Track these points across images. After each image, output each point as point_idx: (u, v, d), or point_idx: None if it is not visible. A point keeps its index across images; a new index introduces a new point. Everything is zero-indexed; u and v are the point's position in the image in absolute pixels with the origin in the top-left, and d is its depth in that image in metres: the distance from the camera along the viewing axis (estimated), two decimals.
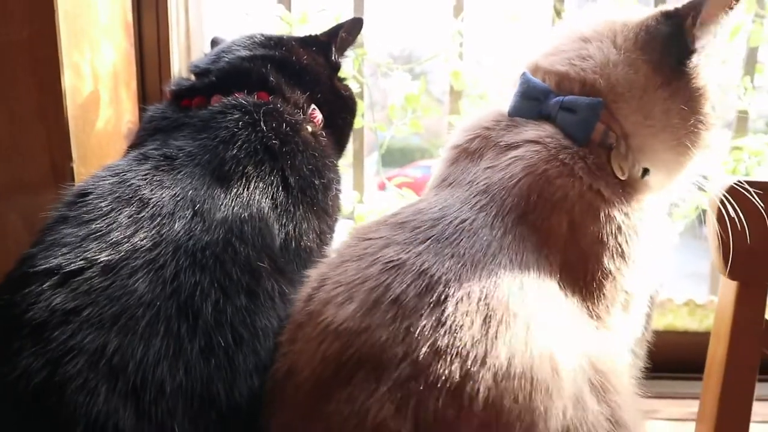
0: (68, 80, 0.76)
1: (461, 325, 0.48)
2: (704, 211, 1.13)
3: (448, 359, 0.47)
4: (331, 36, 0.86)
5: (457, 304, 0.50)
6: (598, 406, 0.51)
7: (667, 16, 0.66)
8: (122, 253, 0.53)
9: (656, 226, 0.67)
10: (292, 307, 0.58)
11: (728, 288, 0.77)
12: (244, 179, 0.64)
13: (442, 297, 0.50)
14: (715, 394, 0.79)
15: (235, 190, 0.63)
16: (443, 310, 0.49)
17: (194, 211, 0.59)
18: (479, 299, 0.50)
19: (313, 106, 0.79)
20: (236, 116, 0.69)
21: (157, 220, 0.57)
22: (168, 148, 0.65)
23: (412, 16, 1.30)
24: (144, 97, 0.96)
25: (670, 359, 0.62)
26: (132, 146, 0.73)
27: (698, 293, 1.24)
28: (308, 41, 0.84)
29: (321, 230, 0.70)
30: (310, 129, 0.75)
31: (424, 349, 0.47)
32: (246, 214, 0.62)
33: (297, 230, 0.67)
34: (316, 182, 0.71)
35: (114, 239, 0.54)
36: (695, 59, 0.66)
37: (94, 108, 0.83)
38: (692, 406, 0.86)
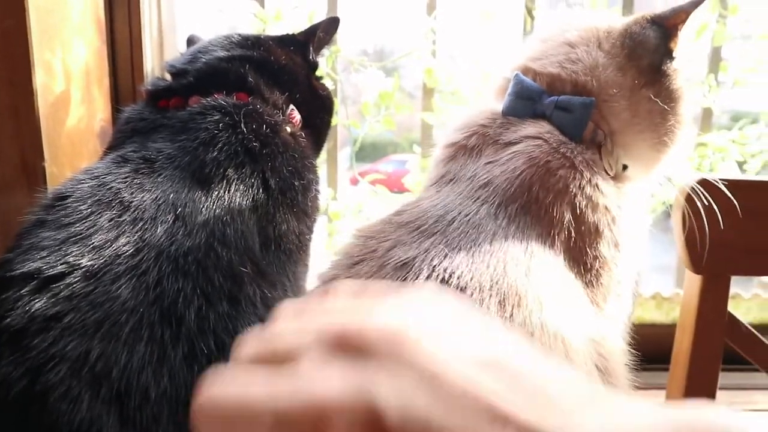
0: (39, 78, 0.75)
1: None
2: (671, 206, 1.17)
3: None
4: (308, 35, 0.86)
5: (472, 293, 0.52)
6: (603, 387, 0.54)
7: (650, 22, 0.71)
8: (104, 258, 0.53)
9: (639, 217, 0.70)
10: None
11: (693, 281, 0.80)
12: (224, 182, 0.64)
13: (458, 289, 0.52)
14: (681, 384, 0.81)
15: (216, 193, 0.63)
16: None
17: (176, 215, 0.58)
18: (491, 286, 0.52)
19: (291, 106, 0.79)
20: (216, 117, 0.69)
21: (139, 225, 0.56)
22: (147, 151, 0.65)
23: (385, 13, 1.31)
24: (116, 96, 0.94)
25: (639, 351, 0.65)
26: (109, 148, 0.72)
27: (665, 286, 1.28)
28: (285, 41, 0.84)
29: (300, 231, 0.71)
30: (289, 130, 0.75)
31: None
32: (227, 217, 0.61)
33: (277, 232, 0.67)
34: (296, 183, 0.71)
35: (95, 243, 0.54)
36: (672, 61, 0.70)
37: (65, 106, 0.82)
38: (659, 396, 0.89)
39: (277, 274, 0.65)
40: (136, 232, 0.56)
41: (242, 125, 0.69)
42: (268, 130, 0.71)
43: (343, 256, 0.61)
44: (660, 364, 0.94)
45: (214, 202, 0.62)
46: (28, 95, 0.75)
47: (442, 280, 0.53)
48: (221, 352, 0.54)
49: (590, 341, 0.57)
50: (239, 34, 0.83)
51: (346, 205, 1.25)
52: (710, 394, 0.81)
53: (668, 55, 0.69)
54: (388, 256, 0.56)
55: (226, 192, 0.63)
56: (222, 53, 0.78)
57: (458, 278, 0.53)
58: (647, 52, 0.69)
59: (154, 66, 0.99)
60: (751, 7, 1.24)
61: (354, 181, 1.43)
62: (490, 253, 0.56)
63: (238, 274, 0.59)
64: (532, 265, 0.56)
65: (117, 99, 0.94)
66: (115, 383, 0.48)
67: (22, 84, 0.74)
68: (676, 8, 0.68)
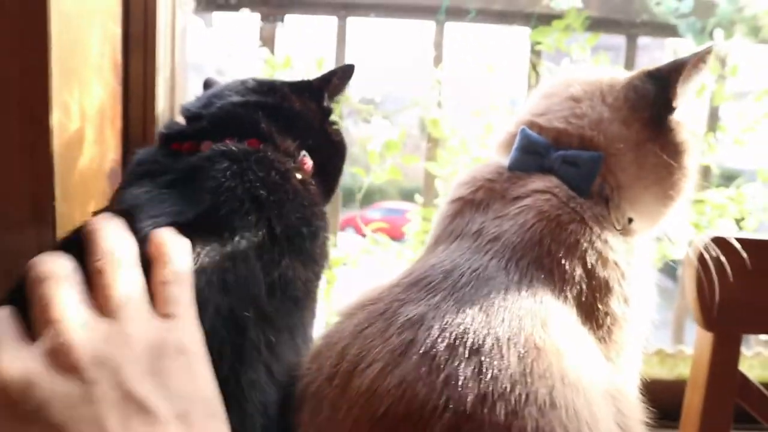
0: (56, 118, 0.74)
1: (499, 368, 0.49)
2: (672, 262, 1.18)
3: (492, 402, 0.48)
4: (324, 82, 0.86)
5: (490, 349, 0.51)
6: None
7: (650, 75, 0.72)
8: None
9: (647, 272, 0.70)
10: (309, 385, 0.57)
11: (704, 339, 0.80)
12: (228, 231, 0.62)
13: (475, 345, 0.51)
14: None
15: (219, 243, 0.61)
16: (480, 357, 0.50)
17: None
18: (508, 339, 0.52)
19: (303, 152, 0.79)
20: (225, 165, 0.67)
21: None
22: (151, 194, 0.64)
23: (391, 63, 1.34)
24: (127, 136, 0.94)
25: (651, 409, 0.64)
26: (119, 189, 0.72)
27: (663, 342, 1.28)
28: (300, 87, 0.84)
29: (307, 278, 0.69)
30: (300, 176, 0.74)
31: (469, 398, 0.47)
32: (229, 264, 0.60)
33: (283, 279, 0.65)
34: (304, 231, 0.69)
35: None
36: (677, 115, 0.71)
37: (79, 146, 0.81)
38: None
39: (284, 321, 0.63)
40: None
41: (250, 173, 0.68)
42: (277, 177, 0.70)
43: (344, 318, 0.60)
44: (665, 421, 0.93)
45: (216, 251, 0.60)
46: (44, 134, 0.74)
47: (456, 337, 0.52)
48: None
49: (609, 396, 0.56)
50: (254, 80, 0.84)
51: (347, 253, 1.24)
52: None
53: (670, 108, 0.70)
54: (395, 316, 0.56)
55: (230, 241, 0.62)
56: (236, 98, 0.79)
57: (474, 333, 0.52)
58: (649, 105, 0.70)
59: (165, 108, 1.00)
60: (747, 66, 1.28)
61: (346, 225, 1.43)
62: (504, 308, 0.55)
63: (240, 319, 0.57)
64: (547, 318, 0.56)
65: (127, 140, 0.94)
66: None
67: (39, 123, 0.74)
68: (675, 60, 0.69)
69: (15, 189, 0.75)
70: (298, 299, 0.66)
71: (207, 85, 0.88)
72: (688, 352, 1.19)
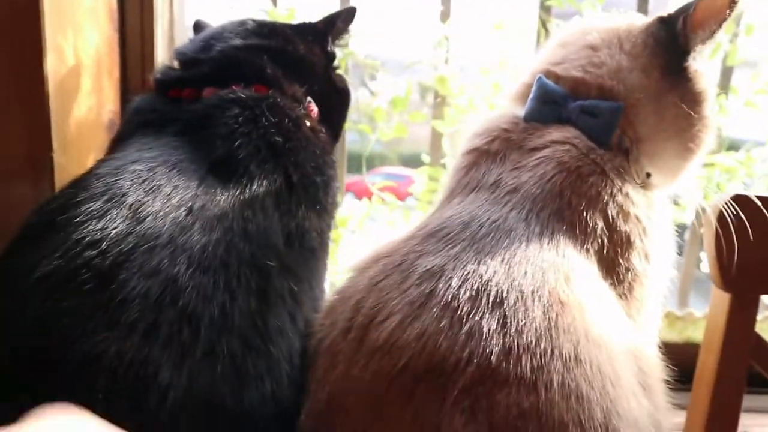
0: (51, 63, 0.71)
1: (524, 322, 0.48)
2: (678, 226, 1.16)
3: (517, 356, 0.46)
4: (327, 24, 0.82)
5: (514, 302, 0.49)
6: (647, 402, 0.51)
7: (661, 20, 0.69)
8: (116, 257, 0.49)
9: (666, 228, 0.68)
10: (323, 340, 0.55)
11: (721, 300, 0.78)
12: (246, 177, 0.61)
13: (498, 297, 0.49)
14: (705, 405, 0.79)
15: (237, 189, 0.59)
16: (504, 310, 0.48)
17: (189, 211, 0.55)
18: (533, 293, 0.50)
19: (309, 98, 0.76)
20: (236, 111, 0.65)
21: (151, 222, 0.52)
22: (161, 146, 0.61)
23: (398, 19, 1.29)
24: (125, 87, 0.90)
25: (672, 368, 0.63)
26: (117, 139, 0.68)
27: (669, 306, 1.27)
28: (304, 29, 0.80)
29: (321, 229, 0.67)
30: (309, 124, 0.72)
31: (494, 350, 0.45)
32: (249, 212, 0.58)
33: (300, 229, 0.63)
34: (318, 180, 0.68)
35: (106, 244, 0.50)
36: (694, 63, 0.68)
37: (75, 96, 0.78)
38: (677, 416, 0.87)
39: (303, 271, 0.62)
40: (151, 230, 0.52)
41: (263, 119, 0.65)
42: (290, 124, 0.68)
43: (358, 273, 0.58)
44: (675, 384, 0.92)
45: (234, 197, 0.58)
46: (39, 82, 0.71)
47: (478, 288, 0.50)
48: (248, 350, 0.50)
49: (630, 354, 0.54)
50: (254, 21, 0.79)
51: (351, 213, 1.22)
52: (733, 416, 0.79)
53: (684, 54, 0.67)
54: (413, 267, 0.53)
55: (248, 187, 0.60)
56: (238, 41, 0.75)
57: (496, 285, 0.50)
58: (664, 51, 0.67)
59: (164, 59, 0.96)
60: (762, 30, 1.25)
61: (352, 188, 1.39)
62: (527, 260, 0.53)
63: (263, 267, 0.56)
64: (571, 272, 0.54)
65: (126, 91, 0.90)
66: (132, 384, 0.45)
67: (32, 69, 0.70)
68: (690, 4, 0.66)
69: (11, 139, 0.72)
70: (314, 249, 0.65)
71: (198, 27, 0.83)
72: (697, 314, 1.18)
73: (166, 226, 0.52)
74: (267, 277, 0.55)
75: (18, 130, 0.71)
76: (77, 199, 0.52)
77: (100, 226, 0.50)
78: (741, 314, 0.77)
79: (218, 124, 0.64)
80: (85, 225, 0.50)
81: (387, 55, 1.34)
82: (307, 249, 0.64)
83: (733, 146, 1.36)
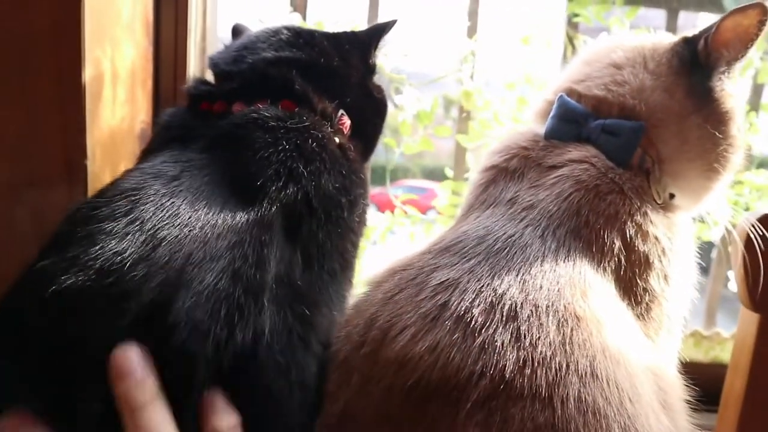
0: (88, 75, 0.73)
1: (538, 336, 0.48)
2: (706, 244, 1.15)
3: (532, 369, 0.46)
4: (372, 35, 0.81)
5: (528, 316, 0.49)
6: (667, 421, 0.51)
7: (686, 40, 0.69)
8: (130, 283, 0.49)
9: (689, 250, 0.67)
10: (338, 354, 0.55)
11: (749, 320, 0.77)
12: (266, 202, 0.59)
13: (512, 310, 0.49)
14: (732, 428, 0.78)
15: (255, 214, 0.58)
16: (517, 323, 0.48)
17: (204, 239, 0.54)
18: (547, 308, 0.50)
19: (341, 111, 0.75)
20: (257, 134, 0.64)
21: (169, 248, 0.52)
22: (186, 163, 0.61)
23: (425, 34, 1.30)
24: (158, 98, 0.93)
25: (693, 388, 0.62)
26: (146, 151, 0.69)
27: (696, 325, 1.25)
28: (343, 39, 0.79)
29: (344, 249, 0.66)
30: (338, 140, 0.71)
31: (508, 364, 0.45)
32: (266, 237, 0.57)
33: (320, 251, 0.62)
34: (342, 200, 0.66)
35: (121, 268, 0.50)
36: (719, 83, 0.67)
37: (110, 105, 0.80)
38: None
39: (320, 294, 0.61)
40: (162, 257, 0.51)
41: (285, 142, 0.64)
42: (314, 144, 0.67)
43: (373, 287, 0.58)
44: (701, 405, 0.90)
45: (252, 223, 0.57)
46: (76, 91, 0.73)
47: (492, 302, 0.50)
48: (236, 377, 0.49)
49: (649, 372, 0.54)
50: (289, 29, 0.78)
51: (374, 225, 1.22)
52: None
53: (708, 74, 0.67)
54: (427, 280, 0.54)
55: (267, 212, 0.59)
56: (269, 54, 0.74)
57: (510, 299, 0.50)
58: (688, 71, 0.67)
59: (195, 71, 0.98)
60: None
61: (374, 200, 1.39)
62: (542, 275, 0.53)
63: (275, 295, 0.55)
64: (587, 289, 0.54)
65: (158, 101, 0.93)
66: None
67: (70, 80, 0.73)
68: (713, 24, 0.66)
69: (47, 146, 0.74)
70: (335, 271, 0.63)
71: (236, 31, 0.84)
72: (724, 334, 1.17)
73: (182, 251, 0.52)
74: (281, 308, 0.54)
75: (56, 137, 0.74)
76: (100, 214, 0.53)
77: (118, 248, 0.50)
78: None
79: (239, 146, 0.63)
80: (105, 244, 0.50)
81: (413, 68, 1.35)
82: (326, 272, 0.62)
83: (763, 164, 1.34)
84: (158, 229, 0.52)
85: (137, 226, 0.52)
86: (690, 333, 1.17)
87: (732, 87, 0.68)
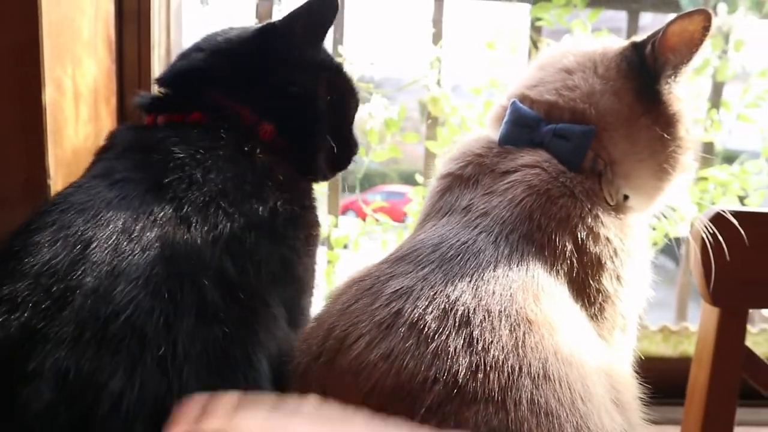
0: (49, 95, 0.73)
1: (491, 340, 0.49)
2: (673, 240, 1.17)
3: (485, 373, 0.47)
4: (290, 22, 0.72)
5: (481, 321, 0.50)
6: (620, 419, 0.52)
7: (634, 45, 0.70)
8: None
9: (642, 250, 0.69)
10: (298, 366, 0.56)
11: (710, 314, 0.79)
12: (183, 219, 0.59)
13: (465, 316, 0.50)
14: (698, 419, 0.80)
15: (168, 227, 0.58)
16: (470, 329, 0.49)
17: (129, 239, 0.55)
18: (499, 312, 0.51)
19: (259, 119, 0.70)
20: (170, 148, 0.63)
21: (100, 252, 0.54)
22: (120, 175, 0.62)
23: (390, 41, 1.31)
24: (122, 115, 0.93)
25: (648, 385, 0.64)
26: (92, 163, 0.70)
27: (666, 320, 1.27)
28: (259, 34, 0.72)
29: (282, 254, 0.65)
30: (259, 151, 0.67)
31: (461, 369, 0.46)
32: (194, 257, 0.57)
33: (253, 259, 0.61)
34: (260, 209, 0.64)
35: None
36: (666, 86, 0.69)
37: (73, 124, 0.80)
38: (672, 431, 0.87)
39: (265, 299, 0.61)
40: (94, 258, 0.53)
41: (189, 160, 0.62)
42: (229, 163, 0.64)
43: (333, 299, 0.59)
44: (670, 398, 0.92)
45: (165, 234, 0.57)
46: (37, 112, 0.73)
47: (445, 308, 0.51)
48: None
49: (602, 372, 0.55)
50: (206, 37, 0.76)
51: (347, 234, 1.23)
52: (727, 430, 0.79)
53: (655, 77, 0.68)
54: (382, 289, 0.55)
55: (185, 227, 0.58)
56: (183, 63, 0.73)
57: (463, 305, 0.51)
58: (636, 75, 0.68)
59: None
60: (751, 42, 1.26)
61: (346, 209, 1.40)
62: (495, 280, 0.54)
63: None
64: (539, 292, 0.55)
65: (123, 118, 0.93)
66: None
67: (31, 100, 0.73)
68: (660, 29, 0.68)
69: (8, 166, 0.74)
70: (275, 275, 0.63)
71: None
72: (692, 329, 1.19)
73: (107, 253, 0.53)
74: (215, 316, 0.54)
75: (17, 157, 0.74)
76: (32, 227, 0.55)
77: (49, 255, 0.52)
78: (730, 328, 0.78)
79: (153, 162, 0.62)
80: (37, 253, 0.53)
81: (383, 74, 1.37)
82: (266, 275, 0.62)
83: (728, 157, 1.37)
84: (84, 234, 0.55)
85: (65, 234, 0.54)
86: (659, 328, 1.19)
87: (679, 90, 0.70)
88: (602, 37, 1.12)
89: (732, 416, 0.79)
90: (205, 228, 0.59)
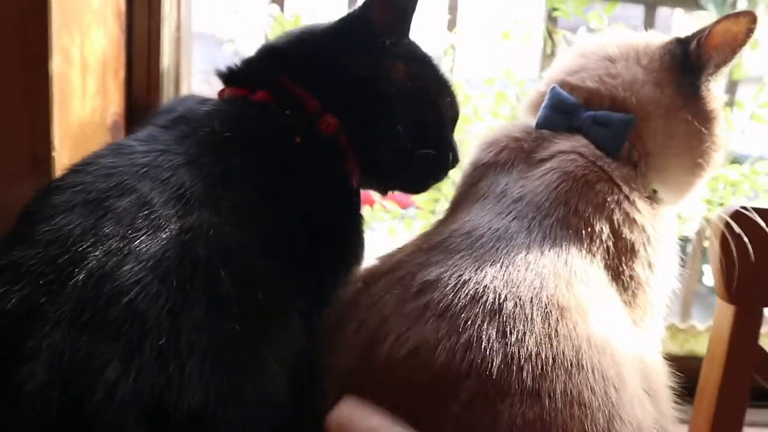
0: (56, 65, 0.71)
1: (523, 330, 0.47)
2: (681, 239, 1.16)
3: (519, 365, 0.46)
4: (364, 12, 0.68)
5: (512, 309, 0.49)
6: (652, 408, 0.51)
7: (679, 40, 0.70)
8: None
9: (671, 242, 0.68)
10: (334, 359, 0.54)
11: (725, 312, 0.78)
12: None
13: (495, 304, 0.49)
14: (708, 419, 0.79)
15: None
16: (502, 317, 0.48)
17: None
18: (531, 299, 0.50)
19: (326, 109, 0.66)
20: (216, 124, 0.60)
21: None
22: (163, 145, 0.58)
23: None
24: (131, 89, 0.91)
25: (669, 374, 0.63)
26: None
27: (672, 318, 1.26)
28: (341, 21, 0.69)
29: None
30: (312, 144, 0.64)
31: (495, 360, 0.45)
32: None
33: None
34: (297, 211, 0.60)
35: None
36: (706, 83, 0.69)
37: (80, 96, 0.78)
38: (679, 430, 0.86)
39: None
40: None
41: (237, 151, 0.58)
42: (277, 153, 0.61)
43: (363, 287, 0.58)
44: (677, 397, 0.91)
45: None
46: (43, 82, 0.71)
47: (473, 296, 0.50)
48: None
49: (635, 360, 0.54)
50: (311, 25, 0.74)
51: None
52: (736, 431, 0.78)
53: (697, 74, 0.68)
54: (413, 280, 0.53)
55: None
56: (268, 42, 0.73)
57: (493, 292, 0.50)
58: (679, 69, 0.69)
59: (170, 63, 0.96)
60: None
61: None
62: (526, 267, 0.53)
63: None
64: (572, 278, 0.54)
65: (131, 92, 0.90)
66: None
67: (37, 69, 0.70)
68: (706, 27, 0.68)
69: (13, 140, 0.72)
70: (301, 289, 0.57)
71: None
72: (699, 327, 1.18)
73: (120, 226, 0.50)
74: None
75: (21, 130, 0.71)
76: (56, 185, 0.52)
77: (64, 222, 0.49)
78: (745, 327, 0.77)
79: (197, 137, 0.59)
80: (51, 217, 0.49)
81: None
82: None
83: (737, 160, 1.36)
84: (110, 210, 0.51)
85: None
86: (666, 326, 1.18)
87: (717, 89, 0.70)
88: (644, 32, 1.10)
89: (742, 416, 0.78)
90: (236, 218, 0.54)
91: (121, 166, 0.54)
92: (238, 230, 0.53)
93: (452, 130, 0.74)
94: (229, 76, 0.69)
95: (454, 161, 0.72)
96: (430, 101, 0.70)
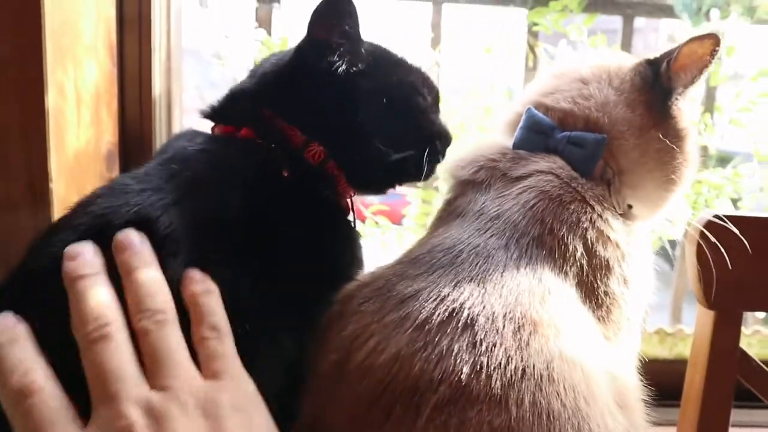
0: (52, 99, 0.73)
1: (494, 342, 0.50)
2: (668, 242, 1.19)
3: (487, 374, 0.48)
4: (309, 30, 0.64)
5: (485, 323, 0.51)
6: (624, 420, 0.53)
7: (648, 62, 0.73)
8: None
9: (646, 256, 0.70)
10: (314, 362, 0.57)
11: (705, 317, 0.80)
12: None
13: (469, 318, 0.51)
14: (694, 421, 0.81)
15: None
16: (474, 330, 0.50)
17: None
18: (504, 314, 0.52)
19: (310, 138, 0.65)
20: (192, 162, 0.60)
21: None
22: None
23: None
24: (123, 119, 0.93)
25: (643, 386, 0.65)
26: None
27: (662, 323, 1.28)
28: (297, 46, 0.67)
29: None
30: (281, 168, 0.63)
31: (464, 370, 0.47)
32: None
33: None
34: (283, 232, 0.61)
35: None
36: (677, 102, 0.72)
37: (75, 128, 0.80)
38: None
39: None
40: None
41: (213, 187, 0.58)
42: (258, 189, 0.60)
43: (346, 299, 0.60)
44: (665, 399, 0.93)
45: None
46: (39, 115, 0.73)
47: (450, 311, 0.52)
48: None
49: (608, 374, 0.56)
50: (263, 59, 0.74)
51: None
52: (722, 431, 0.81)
53: (667, 94, 0.70)
54: (392, 292, 0.56)
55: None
56: (235, 86, 0.71)
57: (469, 308, 0.52)
58: (649, 90, 0.71)
59: (161, 90, 0.98)
60: (743, 46, 1.28)
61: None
62: (502, 284, 0.55)
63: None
64: (546, 295, 0.56)
65: (124, 122, 0.93)
66: None
67: (33, 103, 0.73)
68: (674, 49, 0.70)
69: (11, 171, 0.74)
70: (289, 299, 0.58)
71: None
72: (687, 331, 1.20)
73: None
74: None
75: (19, 162, 0.74)
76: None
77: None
78: (726, 331, 0.79)
79: (175, 173, 0.58)
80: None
81: None
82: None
83: (722, 159, 1.39)
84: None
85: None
86: (654, 330, 1.20)
87: (686, 107, 0.72)
88: (612, 52, 1.13)
89: (727, 417, 0.80)
90: (222, 257, 0.54)
91: (113, 205, 0.54)
92: (224, 269, 0.53)
93: (437, 112, 0.74)
94: (213, 116, 0.69)
95: (447, 142, 0.73)
96: (404, 104, 0.69)
